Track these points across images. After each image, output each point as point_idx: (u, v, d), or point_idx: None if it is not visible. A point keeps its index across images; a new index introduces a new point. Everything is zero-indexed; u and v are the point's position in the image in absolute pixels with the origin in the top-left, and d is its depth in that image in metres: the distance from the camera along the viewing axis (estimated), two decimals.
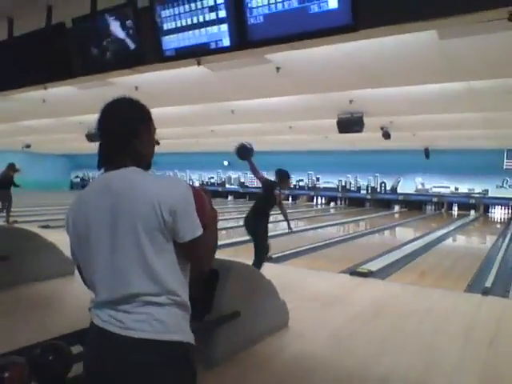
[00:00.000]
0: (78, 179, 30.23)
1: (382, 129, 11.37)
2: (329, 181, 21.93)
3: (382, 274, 6.05)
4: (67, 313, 3.89)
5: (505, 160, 17.17)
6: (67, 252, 4.88)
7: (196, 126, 12.36)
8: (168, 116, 10.21)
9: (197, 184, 25.10)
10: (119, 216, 1.26)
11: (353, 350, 3.13)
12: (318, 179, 22.28)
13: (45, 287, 4.67)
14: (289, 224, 5.49)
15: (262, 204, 5.28)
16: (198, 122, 11.28)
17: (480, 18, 3.21)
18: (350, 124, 9.26)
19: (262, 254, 5.01)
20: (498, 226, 15.15)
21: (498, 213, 18.59)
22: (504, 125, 10.95)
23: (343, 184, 21.63)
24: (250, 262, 4.77)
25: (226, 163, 23.71)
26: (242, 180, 24.22)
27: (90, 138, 12.65)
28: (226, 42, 3.15)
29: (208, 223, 1.37)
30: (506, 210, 18.41)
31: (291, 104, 8.76)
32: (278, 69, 5.98)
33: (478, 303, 4.04)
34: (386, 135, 11.60)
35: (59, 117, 11.01)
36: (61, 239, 5.81)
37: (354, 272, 5.64)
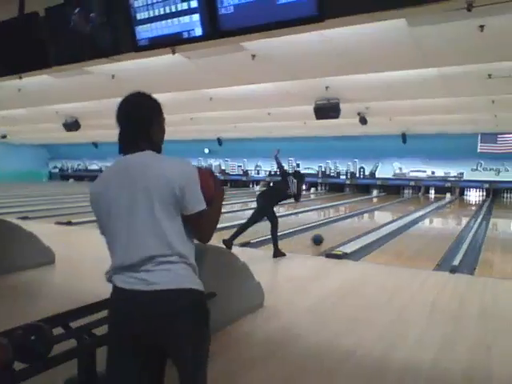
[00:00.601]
0: (57, 170, 29.81)
1: (358, 114, 11.56)
2: (309, 167, 22.15)
3: (358, 255, 6.26)
4: (48, 299, 3.97)
5: (479, 144, 17.61)
6: (47, 242, 4.94)
7: (175, 114, 12.31)
8: None
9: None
10: (137, 191, 1.49)
11: (325, 326, 3.31)
12: (298, 165, 22.47)
13: (25, 277, 4.72)
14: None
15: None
16: (177, 109, 11.26)
17: (443, 8, 3.36)
18: (326, 110, 9.41)
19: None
20: (473, 208, 15.59)
21: (473, 195, 19.12)
22: (476, 109, 11.24)
23: (323, 170, 21.88)
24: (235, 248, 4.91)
25: (206, 151, 23.69)
26: (223, 167, 24.26)
27: (68, 127, 12.51)
28: (199, 32, 3.22)
29: (212, 200, 1.61)
30: (481, 192, 18.96)
31: (269, 91, 8.84)
32: (253, 56, 6.06)
33: (445, 281, 4.25)
34: (363, 121, 11.80)
35: (35, 106, 10.86)
36: (40, 230, 5.85)
37: (329, 254, 5.83)
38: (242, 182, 23.59)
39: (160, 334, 1.47)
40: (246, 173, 23.82)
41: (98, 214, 1.62)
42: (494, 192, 18.52)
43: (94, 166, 28.02)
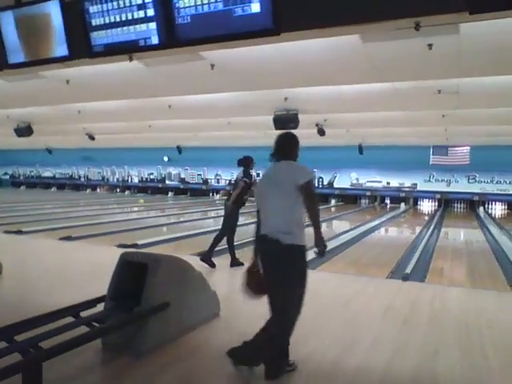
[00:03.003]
0: (8, 176, 28.59)
1: (317, 125, 11.81)
2: None
3: (315, 263, 6.35)
4: None
5: (431, 156, 18.38)
6: None
7: (133, 121, 12.15)
8: (103, 110, 9.98)
9: (136, 180, 24.61)
10: (278, 185, 2.79)
11: None
12: (258, 174, 22.59)
13: None
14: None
15: None
16: (135, 116, 11.11)
17: (393, 26, 3.51)
18: (285, 121, 9.55)
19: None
20: (426, 217, 16.19)
21: (426, 205, 19.88)
22: (428, 123, 11.74)
23: None
24: (189, 257, 4.85)
25: (165, 159, 23.41)
26: (183, 176, 24.04)
27: (19, 132, 12.05)
28: (155, 40, 3.22)
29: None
30: (433, 202, 19.75)
31: (228, 100, 8.89)
32: (212, 66, 6.08)
33: (397, 288, 4.39)
34: (321, 132, 12.06)
35: None
36: None
37: None
38: (201, 191, 23.44)
39: None
40: (205, 182, 23.70)
41: (257, 197, 3.05)
42: (445, 202, 19.34)
43: (48, 173, 27.07)
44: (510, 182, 18.23)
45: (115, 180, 25.80)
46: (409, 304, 4.19)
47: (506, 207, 18.73)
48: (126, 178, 25.39)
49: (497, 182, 18.41)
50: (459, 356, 3.03)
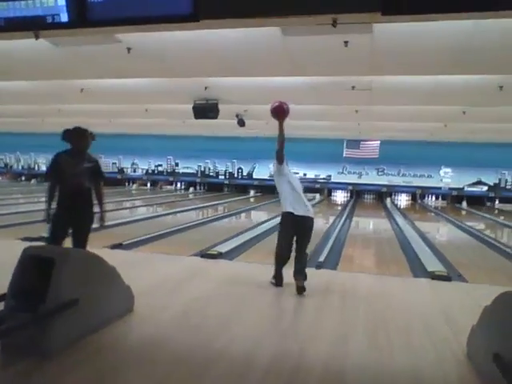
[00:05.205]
0: None
1: (237, 116, 11.83)
2: (188, 166, 22.05)
3: (233, 254, 6.40)
4: None
5: (344, 149, 19.33)
6: None
7: (40, 104, 11.29)
8: (7, 91, 9.17)
9: (44, 168, 22.97)
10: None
11: (197, 328, 3.29)
12: (177, 164, 22.23)
13: None
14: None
15: None
16: (43, 99, 10.34)
17: (312, 21, 3.58)
18: (205, 110, 9.45)
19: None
20: (339, 207, 17.01)
21: (339, 196, 20.91)
22: (342, 118, 12.29)
23: (202, 169, 21.96)
24: (102, 250, 4.61)
25: None
26: None
27: None
28: (64, 18, 2.97)
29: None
30: (346, 193, 20.83)
31: (146, 86, 8.59)
32: (128, 49, 5.83)
33: (311, 275, 4.52)
34: (241, 122, 12.11)
35: None
36: None
37: (204, 254, 5.85)
38: (117, 181, 22.51)
39: None
40: (121, 170, 22.80)
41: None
42: (357, 193, 20.50)
43: None
44: (414, 175, 19.76)
45: (20, 168, 23.91)
46: (321, 291, 4.36)
47: (410, 198, 20.32)
48: (33, 166, 23.63)
49: (402, 175, 19.86)
50: (366, 338, 3.20)
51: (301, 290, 4.15)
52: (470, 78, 7.13)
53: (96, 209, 4.34)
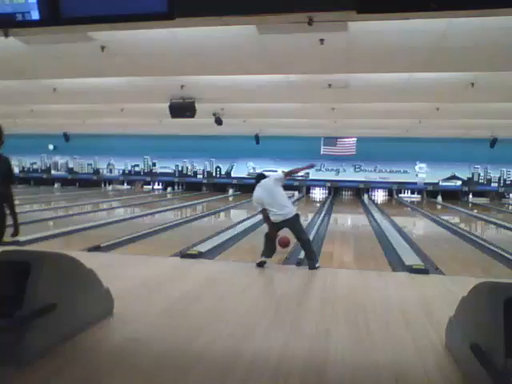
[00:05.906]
0: None
1: (214, 115, 11.79)
2: (166, 166, 21.85)
3: (213, 253, 6.37)
4: None
5: (322, 146, 19.48)
6: None
7: (11, 105, 11.00)
8: None
9: (16, 170, 22.40)
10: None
11: (178, 329, 3.26)
12: (154, 164, 22.00)
13: None
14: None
15: None
16: (14, 99, 10.07)
17: (288, 19, 3.59)
18: (182, 109, 9.37)
19: None
20: (318, 204, 17.12)
21: (318, 193, 21.07)
22: (319, 115, 12.38)
23: (180, 169, 21.79)
24: (80, 253, 4.54)
25: (51, 147, 21.71)
26: (71, 165, 22.48)
27: None
28: (35, 16, 2.89)
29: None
30: (324, 190, 21.01)
31: (121, 85, 8.47)
32: (102, 48, 5.74)
33: (291, 273, 4.57)
34: (219, 121, 12.07)
35: None
36: None
37: (184, 254, 5.81)
38: (92, 182, 22.14)
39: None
40: (97, 171, 22.43)
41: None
42: (335, 190, 20.69)
43: None
44: (390, 171, 20.05)
45: None
46: (302, 287, 4.40)
47: (387, 193, 20.63)
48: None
49: (379, 171, 20.13)
50: (347, 332, 3.24)
51: (311, 267, 5.16)
52: (442, 76, 7.28)
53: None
